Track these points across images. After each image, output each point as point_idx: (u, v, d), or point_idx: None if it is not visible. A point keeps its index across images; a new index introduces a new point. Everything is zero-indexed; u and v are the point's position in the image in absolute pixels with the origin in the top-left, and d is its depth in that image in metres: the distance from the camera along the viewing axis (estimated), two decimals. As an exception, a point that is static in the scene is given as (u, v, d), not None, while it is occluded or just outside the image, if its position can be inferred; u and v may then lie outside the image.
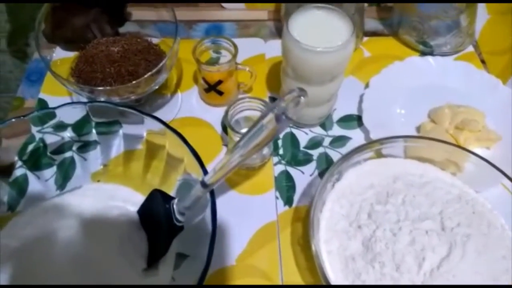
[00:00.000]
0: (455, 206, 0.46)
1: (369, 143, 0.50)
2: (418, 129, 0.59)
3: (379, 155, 0.52)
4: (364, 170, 0.50)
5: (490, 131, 0.57)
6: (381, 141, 0.50)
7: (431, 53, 0.68)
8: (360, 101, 0.61)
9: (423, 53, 0.68)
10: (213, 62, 0.64)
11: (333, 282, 0.43)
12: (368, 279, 0.42)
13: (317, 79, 0.51)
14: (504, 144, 0.56)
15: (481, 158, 0.49)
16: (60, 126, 0.50)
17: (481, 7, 0.68)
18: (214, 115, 0.60)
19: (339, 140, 0.59)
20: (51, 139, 0.51)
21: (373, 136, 0.56)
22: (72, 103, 0.49)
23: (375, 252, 0.43)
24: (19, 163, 0.49)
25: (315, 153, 0.58)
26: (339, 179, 0.49)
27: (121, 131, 0.52)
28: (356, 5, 0.60)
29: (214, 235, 0.39)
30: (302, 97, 0.32)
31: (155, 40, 0.61)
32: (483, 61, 0.68)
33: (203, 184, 0.39)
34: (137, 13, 0.63)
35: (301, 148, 0.58)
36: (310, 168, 0.56)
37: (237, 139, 0.40)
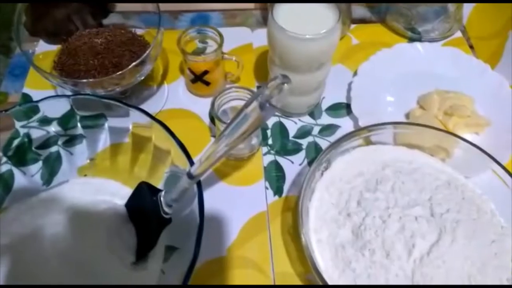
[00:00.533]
0: (445, 192, 0.46)
1: (358, 130, 0.49)
2: (407, 115, 0.59)
3: (368, 142, 0.51)
4: (353, 158, 0.50)
5: (479, 117, 0.57)
6: (370, 128, 0.49)
7: (419, 39, 0.67)
8: (349, 89, 0.61)
9: (411, 40, 0.68)
10: (200, 52, 0.63)
11: (323, 271, 0.42)
12: (358, 267, 0.42)
13: (304, 67, 0.50)
14: (493, 129, 0.56)
15: (471, 144, 0.49)
16: (45, 121, 0.49)
17: (469, -8, 0.68)
18: (201, 106, 0.60)
19: (328, 129, 0.59)
20: (36, 134, 0.50)
21: (362, 123, 0.55)
22: (55, 96, 0.48)
23: (365, 240, 0.43)
24: (4, 159, 0.49)
25: (304, 142, 0.57)
26: (328, 167, 0.49)
27: (106, 125, 0.51)
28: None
29: (202, 226, 0.39)
30: (285, 84, 0.32)
31: (139, 31, 0.60)
32: (471, 46, 0.68)
33: (190, 176, 0.39)
34: (121, 4, 0.62)
35: (290, 138, 0.58)
36: (300, 158, 0.56)
37: (225, 129, 0.39)
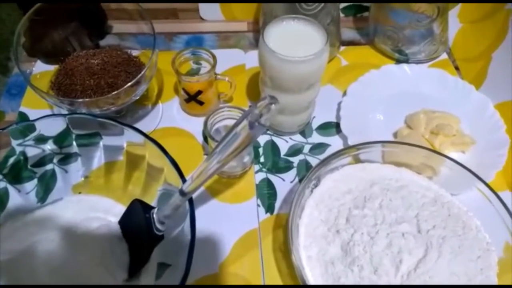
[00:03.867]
0: (431, 209, 0.48)
1: (346, 149, 0.51)
2: (395, 134, 0.61)
3: (357, 160, 0.53)
4: (342, 176, 0.51)
5: (465, 136, 0.58)
6: (358, 146, 0.51)
7: (406, 61, 0.69)
8: (338, 108, 0.62)
9: (398, 61, 0.70)
10: (194, 73, 0.65)
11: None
12: (347, 283, 0.43)
13: (294, 88, 0.52)
14: (478, 148, 0.58)
15: (456, 162, 0.50)
16: (41, 139, 0.50)
17: (453, 16, 0.71)
18: (195, 125, 0.61)
19: (318, 147, 0.60)
20: (32, 152, 0.50)
21: (351, 142, 0.57)
22: (52, 115, 0.49)
23: (354, 256, 0.44)
24: (0, 176, 0.49)
25: (295, 160, 0.59)
26: (317, 184, 0.50)
27: (101, 143, 0.52)
28: (331, 16, 0.62)
29: (193, 243, 0.40)
30: (273, 104, 0.33)
31: (135, 53, 0.61)
32: (457, 68, 0.70)
33: (182, 193, 0.40)
34: (118, 26, 0.64)
35: (282, 156, 0.59)
36: (291, 175, 0.57)
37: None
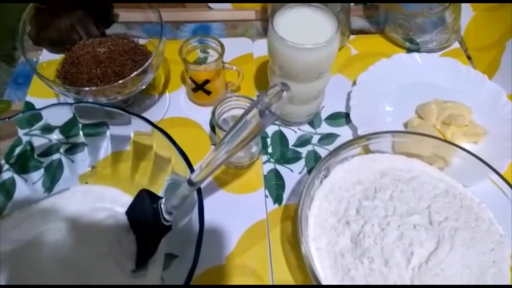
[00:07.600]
0: (443, 201, 0.47)
1: (356, 139, 0.50)
2: (405, 125, 0.59)
3: (367, 151, 0.52)
4: (352, 166, 0.50)
5: (477, 126, 0.57)
6: (368, 136, 0.50)
7: (418, 50, 0.68)
8: (348, 98, 0.61)
9: (409, 50, 0.69)
10: (201, 61, 0.64)
11: (323, 279, 0.43)
12: (357, 275, 0.42)
13: (303, 77, 0.51)
14: (491, 139, 0.57)
15: (469, 153, 0.49)
16: (47, 129, 0.50)
17: (466, 4, 0.69)
18: (202, 114, 0.60)
19: (327, 138, 0.59)
20: (39, 141, 0.50)
21: (361, 132, 0.56)
22: (58, 104, 0.49)
23: (364, 248, 0.43)
24: (6, 166, 0.49)
25: (303, 151, 0.58)
26: (327, 175, 0.49)
27: (108, 133, 0.51)
28: (341, 4, 0.61)
29: (201, 234, 0.39)
30: (284, 92, 0.32)
31: (142, 41, 0.60)
32: (469, 57, 0.69)
33: (190, 182, 0.39)
34: (124, 14, 0.63)
35: (290, 146, 0.58)
36: (299, 166, 0.57)
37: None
